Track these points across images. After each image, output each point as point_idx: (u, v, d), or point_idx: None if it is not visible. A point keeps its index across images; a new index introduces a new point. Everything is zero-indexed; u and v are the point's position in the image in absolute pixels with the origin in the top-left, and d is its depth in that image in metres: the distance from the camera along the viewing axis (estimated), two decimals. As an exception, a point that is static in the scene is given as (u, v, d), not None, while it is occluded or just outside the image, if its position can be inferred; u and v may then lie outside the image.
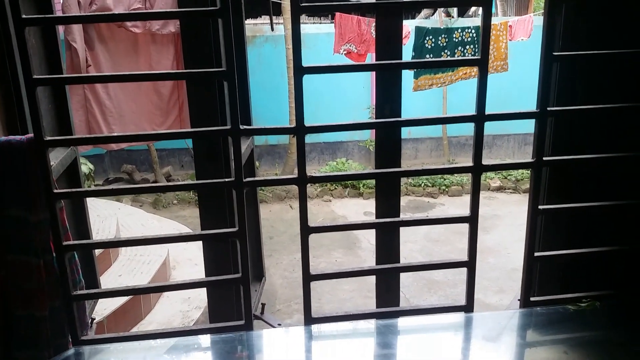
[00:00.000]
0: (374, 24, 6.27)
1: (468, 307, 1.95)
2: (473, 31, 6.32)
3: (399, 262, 2.30)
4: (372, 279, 2.38)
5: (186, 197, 7.39)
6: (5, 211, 1.70)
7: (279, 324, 3.08)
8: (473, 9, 10.10)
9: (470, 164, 1.84)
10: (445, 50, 6.42)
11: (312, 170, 8.01)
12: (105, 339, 1.86)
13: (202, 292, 3.90)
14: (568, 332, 1.86)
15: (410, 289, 4.73)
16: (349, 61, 6.59)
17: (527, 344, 1.86)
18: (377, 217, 2.27)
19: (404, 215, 2.00)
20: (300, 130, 1.74)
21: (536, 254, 1.95)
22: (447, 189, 7.61)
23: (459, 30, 6.39)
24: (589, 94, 1.92)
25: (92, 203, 4.36)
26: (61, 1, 3.29)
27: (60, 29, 3.32)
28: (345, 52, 6.55)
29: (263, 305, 3.25)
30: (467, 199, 1.93)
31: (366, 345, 1.88)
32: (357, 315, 1.94)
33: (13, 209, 1.71)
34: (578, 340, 1.82)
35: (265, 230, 5.55)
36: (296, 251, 5.20)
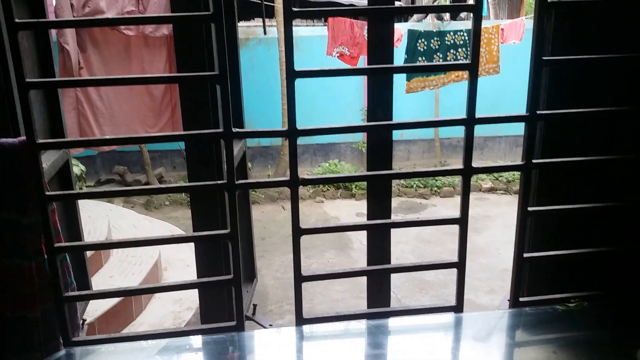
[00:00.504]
0: (366, 26, 6.31)
1: (458, 307, 1.97)
2: (465, 34, 6.37)
3: (390, 263, 2.32)
4: (364, 279, 2.40)
5: (178, 198, 7.38)
6: (-2, 214, 1.71)
7: (271, 325, 3.09)
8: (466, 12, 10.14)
9: (461, 166, 1.86)
10: (438, 53, 6.46)
11: (304, 172, 8.02)
12: (97, 340, 1.86)
13: (194, 293, 3.90)
14: (557, 332, 1.88)
15: (402, 289, 4.75)
16: (341, 63, 6.62)
17: (517, 343, 1.88)
18: (368, 219, 2.29)
19: (395, 216, 2.02)
20: (292, 133, 1.75)
21: (525, 254, 1.98)
22: (438, 190, 7.65)
23: (451, 33, 6.43)
24: (579, 98, 1.94)
25: (83, 204, 4.36)
26: (54, 3, 3.29)
27: (53, 31, 3.31)
28: (337, 54, 6.58)
29: (255, 306, 3.26)
30: (458, 199, 1.95)
31: (357, 346, 1.89)
32: (348, 316, 1.95)
33: (5, 212, 1.71)
34: (567, 340, 1.84)
35: (257, 231, 5.56)
36: (288, 252, 5.21)
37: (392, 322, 1.96)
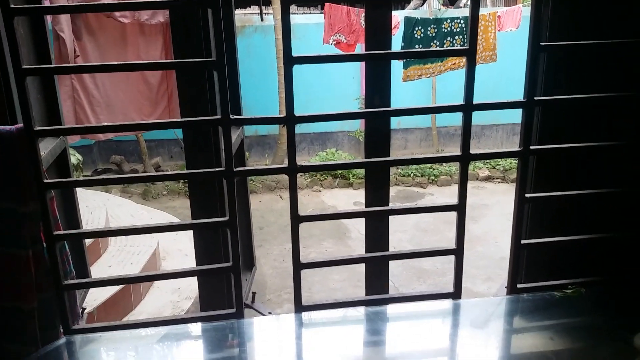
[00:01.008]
0: (363, 14, 6.27)
1: (456, 294, 1.98)
2: (462, 22, 6.34)
3: (388, 250, 2.33)
4: (362, 269, 2.41)
5: (176, 187, 7.37)
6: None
7: (270, 313, 3.10)
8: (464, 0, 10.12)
9: (459, 153, 1.86)
10: (435, 41, 6.44)
11: (302, 161, 8.01)
12: (97, 328, 1.87)
13: (193, 283, 3.91)
14: (554, 318, 1.89)
15: (400, 278, 4.77)
16: (338, 51, 6.59)
17: (514, 330, 1.89)
18: (366, 206, 2.29)
19: (393, 205, 2.02)
20: (290, 120, 1.75)
21: (523, 241, 1.99)
22: (436, 179, 7.65)
23: (448, 21, 6.41)
24: (576, 84, 1.94)
25: (81, 194, 4.35)
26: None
27: (48, 18, 3.29)
28: (334, 42, 6.55)
29: (254, 294, 3.27)
30: (455, 188, 1.95)
31: (356, 332, 1.91)
32: (346, 303, 1.96)
33: (1, 201, 1.71)
34: (564, 326, 1.86)
35: (256, 220, 5.56)
36: (286, 241, 5.22)
37: (391, 309, 1.97)
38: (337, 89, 8.42)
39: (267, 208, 6.80)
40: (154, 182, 7.49)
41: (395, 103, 1.97)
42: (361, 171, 7.11)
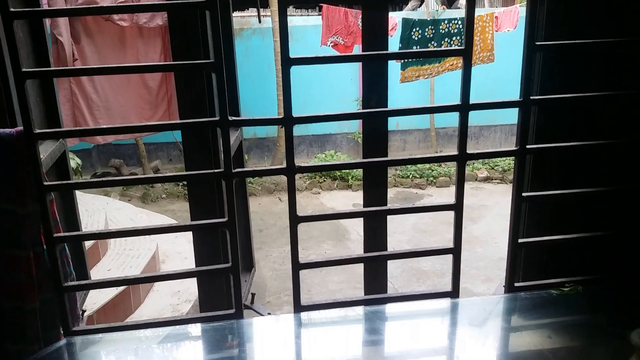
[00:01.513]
0: (361, 16, 6.29)
1: (454, 293, 1.99)
2: (459, 22, 6.36)
3: (386, 250, 2.34)
4: (361, 270, 2.42)
5: (175, 191, 7.38)
6: (-6, 205, 1.71)
7: (269, 314, 3.11)
8: (462, 0, 10.14)
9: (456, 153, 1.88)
10: (432, 42, 6.45)
11: (300, 163, 8.02)
12: (97, 330, 1.88)
13: (192, 286, 3.91)
14: (552, 316, 1.90)
15: (399, 279, 4.78)
16: (336, 53, 6.61)
17: (512, 328, 1.90)
18: (364, 207, 2.30)
19: (391, 205, 2.03)
20: (288, 120, 1.76)
21: (520, 240, 2.00)
22: (434, 180, 7.66)
23: (446, 22, 6.43)
24: (571, 83, 1.95)
25: (80, 198, 4.36)
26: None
27: (47, 22, 3.31)
28: (332, 44, 6.57)
29: (253, 295, 3.28)
30: (454, 189, 1.97)
31: (355, 332, 1.91)
32: (345, 303, 1.97)
33: (1, 202, 1.72)
34: (561, 324, 1.87)
35: (255, 223, 5.57)
36: (285, 244, 5.22)
37: (389, 308, 1.98)
38: (336, 91, 8.44)
39: (266, 210, 6.81)
40: (153, 184, 7.50)
41: (394, 104, 1.98)
42: (360, 173, 7.12)
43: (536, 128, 2.02)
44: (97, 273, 3.83)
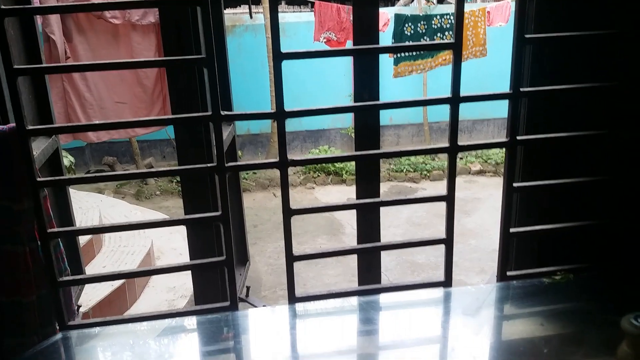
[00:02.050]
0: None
1: (447, 282, 2.01)
2: (452, 17, 6.38)
3: (379, 241, 2.36)
4: (355, 264, 2.44)
5: (169, 187, 7.39)
6: (-11, 201, 1.72)
7: (264, 306, 3.13)
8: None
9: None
10: (425, 37, 6.48)
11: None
12: (92, 324, 1.89)
13: (187, 281, 3.93)
14: (544, 304, 1.92)
15: (394, 272, 4.81)
16: (328, 49, 6.62)
17: (505, 316, 1.92)
18: (357, 199, 2.32)
19: (384, 197, 2.05)
20: (280, 115, 1.77)
21: (512, 230, 2.02)
22: (428, 174, 7.70)
23: (438, 17, 6.45)
24: (561, 75, 1.97)
25: (74, 195, 4.36)
26: (38, -8, 3.27)
27: (39, 20, 3.30)
28: (325, 40, 6.58)
29: (248, 288, 3.29)
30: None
31: (349, 322, 1.93)
32: (339, 294, 1.99)
33: (-3, 199, 1.73)
34: (554, 312, 1.89)
35: (249, 218, 5.59)
36: (280, 239, 5.24)
37: (383, 298, 2.00)
38: (329, 86, 8.45)
39: (260, 206, 6.83)
40: (147, 179, 7.48)
41: (387, 99, 1.99)
42: (354, 167, 7.15)
43: (526, 120, 2.04)
44: (92, 270, 3.84)
